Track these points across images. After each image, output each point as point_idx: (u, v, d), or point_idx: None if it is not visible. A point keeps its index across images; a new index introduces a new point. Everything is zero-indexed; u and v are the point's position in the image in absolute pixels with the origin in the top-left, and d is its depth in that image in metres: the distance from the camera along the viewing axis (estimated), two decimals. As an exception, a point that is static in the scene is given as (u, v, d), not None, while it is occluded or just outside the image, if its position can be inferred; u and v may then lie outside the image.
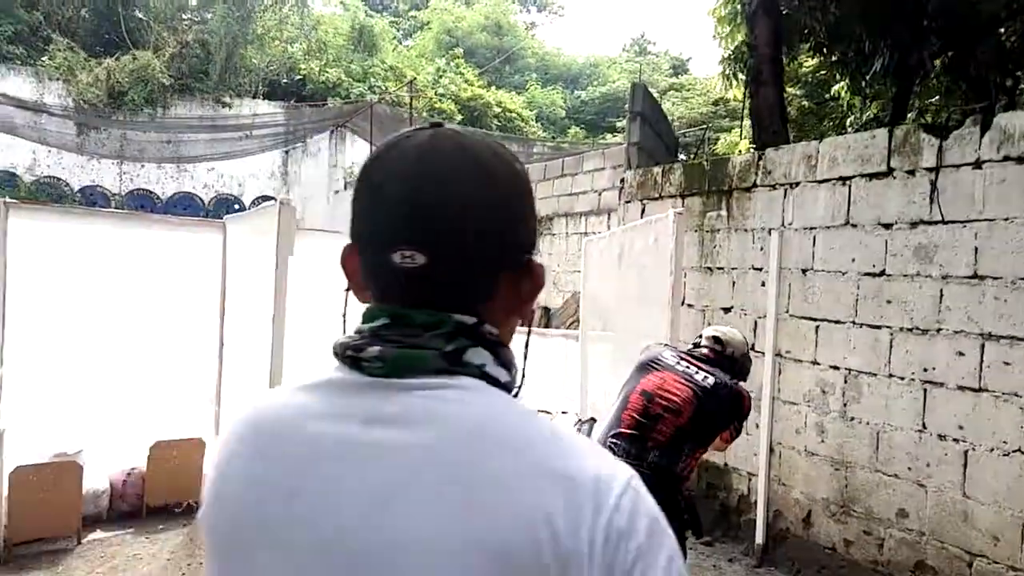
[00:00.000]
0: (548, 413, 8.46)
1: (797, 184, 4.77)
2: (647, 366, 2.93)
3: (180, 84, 20.43)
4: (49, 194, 18.79)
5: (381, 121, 18.41)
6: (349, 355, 0.70)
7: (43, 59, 19.62)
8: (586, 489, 0.62)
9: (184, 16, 22.38)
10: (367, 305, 0.74)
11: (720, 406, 2.83)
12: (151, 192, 20.63)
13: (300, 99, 21.96)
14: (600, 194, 9.20)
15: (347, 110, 20.07)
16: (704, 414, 2.77)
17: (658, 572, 0.62)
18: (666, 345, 3.36)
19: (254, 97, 21.57)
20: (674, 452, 2.75)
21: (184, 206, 20.40)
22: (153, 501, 4.75)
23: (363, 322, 0.72)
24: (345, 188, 19.48)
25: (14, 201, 4.26)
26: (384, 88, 22.26)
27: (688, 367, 2.88)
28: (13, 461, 4.15)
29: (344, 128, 20.09)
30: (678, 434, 2.74)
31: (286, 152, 22.03)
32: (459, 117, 22.48)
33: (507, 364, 0.72)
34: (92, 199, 19.60)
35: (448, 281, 0.69)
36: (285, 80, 22.49)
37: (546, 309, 10.00)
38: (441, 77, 25.01)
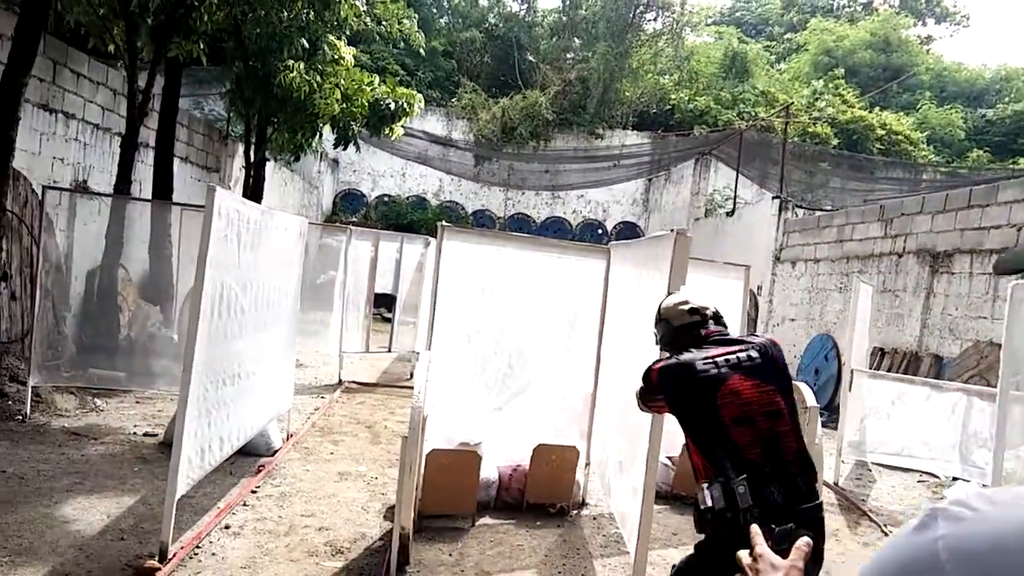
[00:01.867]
0: (935, 476, 7.38)
1: None
2: None
3: (561, 119, 22.43)
4: (449, 216, 21.92)
5: (748, 148, 17.99)
6: None
7: (452, 100, 23.12)
8: None
9: (568, 56, 24.54)
10: None
11: None
12: (528, 216, 22.95)
13: (667, 128, 22.55)
14: (1020, 229, 7.81)
15: (713, 138, 20.04)
16: None
17: None
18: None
19: (624, 128, 22.75)
20: None
21: (555, 229, 22.29)
22: (532, 498, 5.19)
23: None
24: (706, 215, 19.38)
25: (449, 225, 5.07)
26: (754, 114, 21.75)
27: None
28: (429, 445, 4.87)
29: (709, 156, 20.08)
30: None
31: (649, 180, 22.80)
32: (835, 141, 20.98)
33: None
34: (481, 221, 22.48)
35: None
36: (654, 110, 23.31)
37: (937, 358, 8.78)
38: (817, 100, 23.65)
